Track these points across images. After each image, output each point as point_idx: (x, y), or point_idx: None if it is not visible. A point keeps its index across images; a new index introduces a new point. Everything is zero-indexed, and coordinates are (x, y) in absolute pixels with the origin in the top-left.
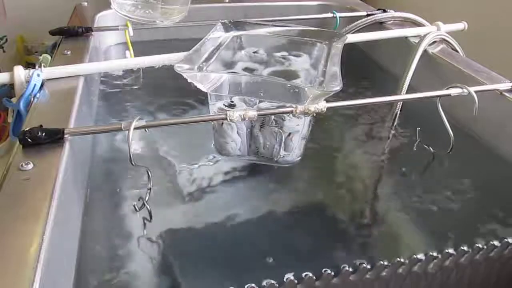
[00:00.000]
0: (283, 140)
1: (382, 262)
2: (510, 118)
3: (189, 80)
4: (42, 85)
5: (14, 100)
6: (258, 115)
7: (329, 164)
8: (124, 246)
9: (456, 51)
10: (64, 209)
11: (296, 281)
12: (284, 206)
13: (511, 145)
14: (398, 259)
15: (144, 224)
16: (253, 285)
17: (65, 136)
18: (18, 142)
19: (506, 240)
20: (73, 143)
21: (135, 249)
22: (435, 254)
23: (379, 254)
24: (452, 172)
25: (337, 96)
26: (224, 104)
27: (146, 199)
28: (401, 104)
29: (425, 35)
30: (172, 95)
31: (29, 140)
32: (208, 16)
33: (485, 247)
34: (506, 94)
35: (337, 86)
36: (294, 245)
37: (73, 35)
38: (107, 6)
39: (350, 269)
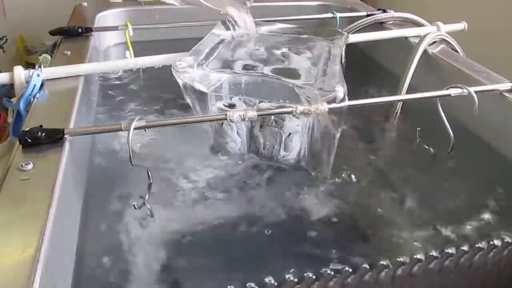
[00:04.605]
0: (283, 140)
1: (382, 262)
2: (510, 118)
3: (188, 81)
4: (42, 85)
5: (14, 100)
6: (258, 115)
7: None
8: (124, 245)
9: (456, 51)
10: (64, 209)
11: (296, 281)
12: (283, 206)
13: (511, 145)
14: (398, 259)
15: (144, 223)
16: (253, 285)
17: (65, 136)
18: (18, 142)
19: (506, 240)
20: (73, 143)
21: (135, 249)
22: (435, 254)
23: (379, 254)
24: (452, 172)
25: None
26: (224, 104)
27: (146, 198)
28: (401, 104)
29: (425, 35)
30: (172, 95)
31: (29, 140)
32: (208, 16)
33: (485, 247)
34: (506, 94)
35: (338, 87)
36: (294, 245)
37: (73, 35)
38: (107, 6)
39: (350, 269)
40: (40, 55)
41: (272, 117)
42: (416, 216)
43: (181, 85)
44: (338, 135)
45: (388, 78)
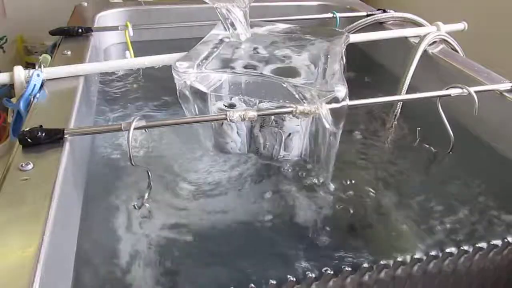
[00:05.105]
0: (283, 140)
1: (382, 262)
2: (510, 118)
3: (188, 82)
4: (42, 85)
5: (14, 100)
6: (258, 115)
7: None
8: (124, 246)
9: (456, 51)
10: (64, 209)
11: (296, 281)
12: (283, 206)
13: (511, 145)
14: (398, 259)
15: (144, 223)
16: (253, 285)
17: (65, 136)
18: (18, 142)
19: (506, 239)
20: (73, 143)
21: (135, 249)
22: (435, 254)
23: (379, 254)
24: (452, 172)
25: None
26: (224, 104)
27: (146, 198)
28: (401, 104)
29: (425, 35)
30: (172, 95)
31: (29, 140)
32: (208, 16)
33: (485, 246)
34: (506, 94)
35: (338, 87)
36: (294, 245)
37: (73, 35)
38: (107, 6)
39: (350, 269)
40: (40, 55)
41: (272, 117)
42: (415, 216)
43: (177, 88)
44: (339, 135)
45: (388, 78)
